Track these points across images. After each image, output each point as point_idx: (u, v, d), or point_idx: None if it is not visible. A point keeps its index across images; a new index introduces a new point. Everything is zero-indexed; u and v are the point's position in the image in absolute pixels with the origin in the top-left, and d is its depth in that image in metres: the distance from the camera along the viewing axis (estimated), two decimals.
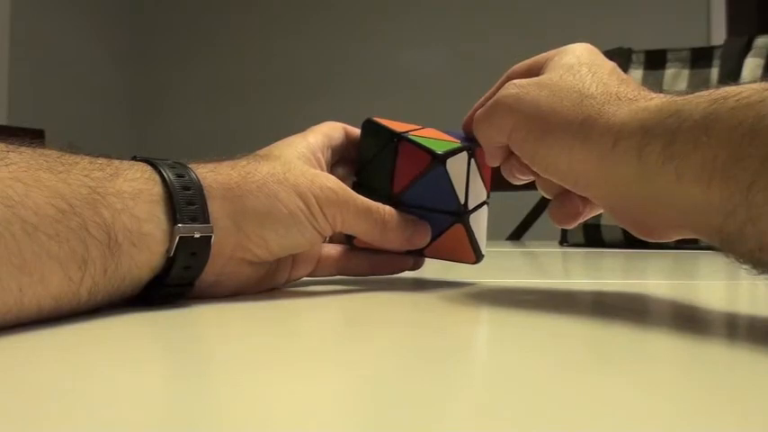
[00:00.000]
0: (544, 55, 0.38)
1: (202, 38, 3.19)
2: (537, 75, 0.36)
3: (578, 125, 0.32)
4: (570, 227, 0.40)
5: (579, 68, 0.34)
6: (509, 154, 0.38)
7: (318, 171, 0.38)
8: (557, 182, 0.35)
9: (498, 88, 0.38)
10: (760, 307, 0.39)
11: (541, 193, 0.40)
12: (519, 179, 0.39)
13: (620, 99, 0.31)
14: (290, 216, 0.35)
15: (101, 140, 2.82)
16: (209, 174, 0.34)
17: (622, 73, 0.35)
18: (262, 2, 3.10)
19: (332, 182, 0.37)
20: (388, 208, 0.39)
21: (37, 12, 2.74)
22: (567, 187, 0.34)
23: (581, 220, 0.38)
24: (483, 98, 0.40)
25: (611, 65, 0.35)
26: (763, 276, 0.27)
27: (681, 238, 0.32)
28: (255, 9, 3.10)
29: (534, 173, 0.38)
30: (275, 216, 0.35)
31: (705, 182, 0.27)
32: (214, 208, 0.33)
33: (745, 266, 0.27)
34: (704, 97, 0.28)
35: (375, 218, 0.38)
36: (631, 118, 0.30)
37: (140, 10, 3.25)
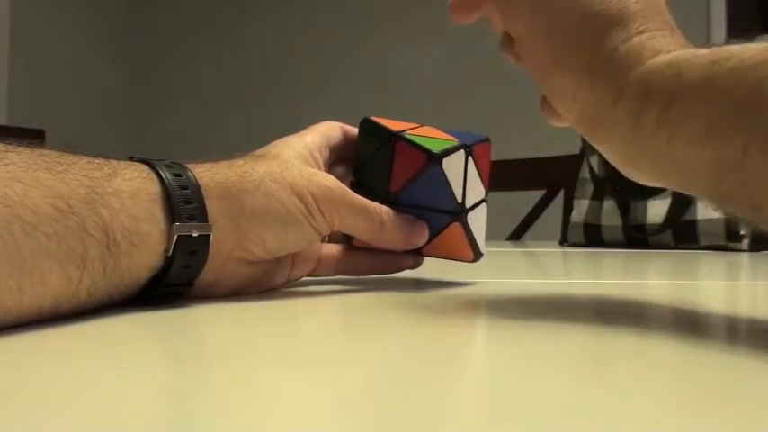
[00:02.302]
0: None
1: (202, 38, 3.19)
2: None
3: (587, 65, 0.31)
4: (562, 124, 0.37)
5: None
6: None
7: (316, 170, 0.38)
8: (555, 108, 0.34)
9: None
10: (760, 307, 0.39)
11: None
12: (513, 62, 0.37)
13: (632, 40, 0.31)
14: (288, 215, 0.35)
15: (100, 140, 2.82)
16: (207, 173, 0.34)
17: None
18: (261, 2, 3.10)
19: (330, 181, 0.37)
20: (385, 207, 0.39)
21: (37, 12, 2.74)
22: (566, 120, 0.34)
23: None
24: None
25: None
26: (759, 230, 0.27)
27: (668, 187, 0.32)
28: (255, 9, 3.11)
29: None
30: (273, 215, 0.35)
31: (698, 145, 0.27)
32: (212, 207, 0.33)
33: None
34: (706, 58, 0.28)
35: (373, 217, 0.38)
36: (635, 76, 0.30)
37: (140, 10, 3.25)
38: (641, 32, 0.31)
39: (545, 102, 0.36)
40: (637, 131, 0.29)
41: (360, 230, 0.39)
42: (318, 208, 0.36)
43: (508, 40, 0.36)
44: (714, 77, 0.27)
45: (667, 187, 0.32)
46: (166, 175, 0.32)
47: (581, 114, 0.32)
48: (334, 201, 0.36)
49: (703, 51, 0.28)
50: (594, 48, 0.31)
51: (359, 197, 0.38)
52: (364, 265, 0.42)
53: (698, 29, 2.49)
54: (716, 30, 2.49)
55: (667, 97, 0.28)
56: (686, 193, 0.31)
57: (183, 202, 0.31)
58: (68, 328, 0.27)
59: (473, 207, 0.41)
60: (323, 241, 0.42)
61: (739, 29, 2.40)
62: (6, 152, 0.27)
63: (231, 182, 0.34)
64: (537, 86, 0.35)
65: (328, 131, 0.42)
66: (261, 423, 0.16)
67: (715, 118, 0.26)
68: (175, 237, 0.31)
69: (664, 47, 0.30)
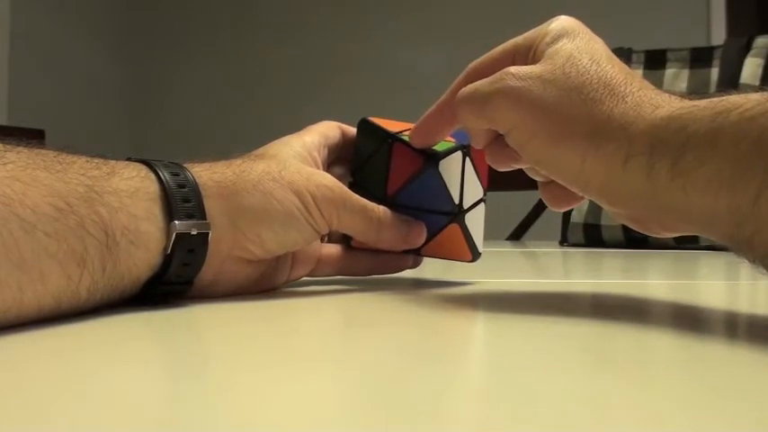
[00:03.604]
0: (529, 37, 0.35)
1: (202, 38, 3.19)
2: (525, 62, 0.34)
3: (590, 132, 0.31)
4: (566, 209, 0.38)
5: (581, 58, 0.32)
6: (496, 138, 0.36)
7: (314, 169, 0.38)
8: (561, 183, 0.34)
9: (459, 87, 0.36)
10: (760, 307, 0.39)
11: (530, 175, 0.38)
12: (507, 167, 0.37)
13: (626, 101, 0.31)
14: (286, 214, 0.35)
15: (100, 140, 2.82)
16: (205, 172, 0.34)
17: (617, 60, 0.33)
18: (261, 2, 3.10)
19: (328, 180, 0.37)
20: (383, 207, 0.39)
21: (37, 12, 2.74)
22: (574, 190, 0.33)
23: (577, 204, 0.37)
24: (439, 103, 0.38)
25: (604, 49, 0.33)
26: None
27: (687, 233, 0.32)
28: (255, 9, 3.11)
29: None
30: (271, 214, 0.35)
31: (712, 195, 0.27)
32: (210, 206, 0.33)
33: (759, 269, 0.28)
34: (708, 110, 0.28)
35: (371, 216, 0.38)
36: (640, 132, 0.29)
37: (140, 10, 3.25)
38: (631, 92, 0.31)
39: (546, 189, 0.36)
40: (651, 186, 0.29)
41: (358, 230, 0.39)
42: (317, 207, 0.36)
43: (489, 138, 0.36)
44: (719, 130, 0.27)
45: (678, 232, 0.32)
46: (164, 174, 0.32)
47: (590, 182, 0.31)
48: (332, 200, 0.36)
49: (704, 103, 0.28)
50: (592, 115, 0.31)
51: (357, 197, 0.38)
52: (364, 265, 0.42)
53: (698, 29, 2.49)
54: (716, 30, 2.49)
55: (677, 149, 0.28)
56: (699, 234, 0.31)
57: (181, 201, 0.31)
58: (68, 327, 0.27)
59: (471, 207, 0.41)
60: (322, 241, 0.42)
61: (739, 29, 2.40)
62: (5, 151, 0.27)
63: (229, 181, 0.34)
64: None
65: (327, 131, 0.42)
66: (260, 422, 0.16)
67: (726, 169, 0.26)
68: (174, 235, 0.31)
69: (661, 101, 0.30)
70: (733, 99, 0.27)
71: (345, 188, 0.38)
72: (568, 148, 0.31)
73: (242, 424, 0.15)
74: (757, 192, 0.25)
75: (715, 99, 0.28)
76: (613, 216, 0.33)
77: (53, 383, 0.19)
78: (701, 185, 0.27)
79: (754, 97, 0.27)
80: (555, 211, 0.39)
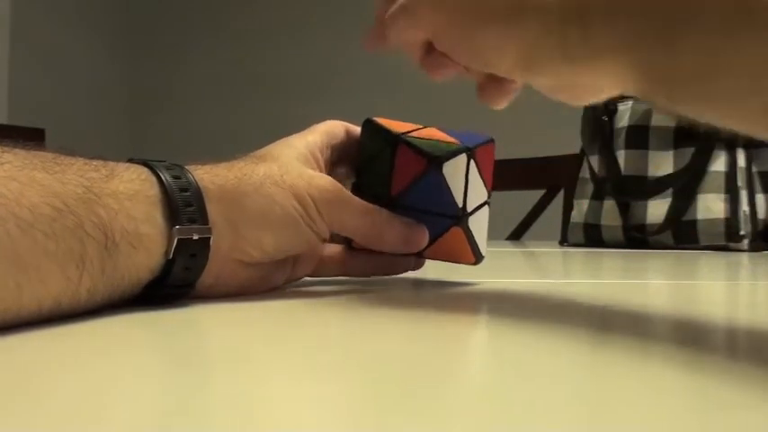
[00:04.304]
0: None
1: (202, 37, 3.19)
2: None
3: (504, 14, 0.32)
4: (502, 105, 0.39)
5: None
6: (429, 49, 0.37)
7: (316, 172, 0.38)
8: (489, 71, 0.35)
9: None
10: (760, 308, 0.39)
11: (467, 77, 0.39)
12: (443, 75, 0.39)
13: None
14: (287, 218, 0.35)
15: (100, 140, 2.82)
16: (206, 175, 0.34)
17: None
18: (261, 2, 3.10)
19: (329, 183, 0.37)
20: (384, 211, 0.39)
21: (37, 12, 2.74)
22: (500, 74, 0.35)
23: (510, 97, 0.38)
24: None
25: None
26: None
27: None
28: (255, 9, 3.10)
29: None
30: (271, 218, 0.35)
31: (618, 51, 0.28)
32: (211, 209, 0.33)
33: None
34: None
35: (372, 220, 0.38)
36: (552, 4, 0.31)
37: (140, 10, 3.25)
38: None
39: (480, 89, 0.37)
40: (565, 53, 0.30)
41: (359, 233, 0.39)
42: (318, 211, 0.36)
43: (422, 50, 0.38)
44: None
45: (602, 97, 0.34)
46: (166, 177, 0.32)
47: (511, 61, 0.33)
48: (333, 204, 0.36)
49: None
50: None
51: (358, 200, 0.38)
52: (365, 266, 0.42)
53: None
54: None
55: (586, 12, 0.29)
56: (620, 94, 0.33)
57: (183, 205, 0.31)
58: (68, 327, 0.27)
59: (475, 210, 0.41)
60: (323, 242, 0.42)
61: None
62: (2, 152, 0.27)
63: (231, 184, 0.34)
64: (530, 89, 0.35)
65: (331, 131, 0.42)
66: (260, 423, 0.16)
67: (629, 22, 0.28)
68: (176, 240, 0.31)
69: None
70: None
71: (347, 191, 0.38)
72: (487, 33, 0.33)
73: (242, 424, 0.15)
74: (654, 39, 0.27)
75: None
76: (537, 87, 0.34)
77: (53, 383, 0.19)
78: (608, 43, 0.29)
79: None
80: (494, 109, 0.39)
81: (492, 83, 0.37)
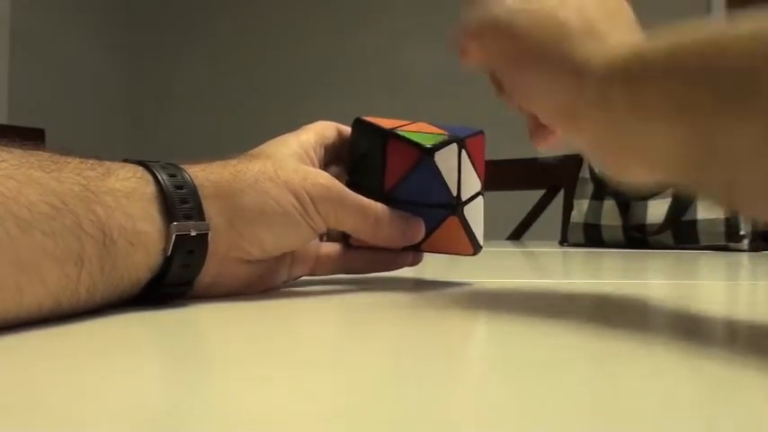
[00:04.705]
0: None
1: (202, 37, 3.19)
2: None
3: (554, 62, 0.32)
4: (544, 146, 0.39)
5: None
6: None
7: (311, 168, 0.38)
8: (535, 112, 0.35)
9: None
10: (760, 308, 0.39)
11: (516, 111, 0.39)
12: (543, 144, 0.39)
13: (595, 38, 0.32)
14: (283, 213, 0.35)
15: (101, 139, 2.82)
16: (201, 173, 0.34)
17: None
18: (261, 2, 3.10)
19: (324, 178, 0.37)
20: (380, 205, 0.39)
21: (37, 12, 2.74)
22: (543, 119, 0.35)
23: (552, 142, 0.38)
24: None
25: None
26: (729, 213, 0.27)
27: (651, 179, 0.32)
28: (255, 9, 3.11)
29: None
30: (268, 213, 0.35)
31: (667, 119, 0.27)
32: (207, 206, 0.33)
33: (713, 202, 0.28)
34: (664, 38, 0.29)
35: (368, 214, 0.38)
36: (603, 65, 0.30)
37: (140, 10, 3.25)
38: (606, 31, 0.32)
39: (532, 129, 0.38)
40: (608, 114, 0.30)
41: (355, 228, 0.39)
42: (314, 206, 0.36)
43: (497, 82, 0.38)
44: (676, 52, 0.28)
45: (639, 175, 0.32)
46: (161, 175, 0.32)
47: (557, 109, 0.33)
48: (329, 198, 0.36)
49: (664, 33, 0.29)
50: (557, 42, 0.32)
51: (354, 194, 0.38)
52: (363, 263, 0.42)
53: None
54: None
55: (633, 76, 0.29)
56: (662, 178, 0.32)
57: (179, 202, 0.31)
58: (68, 327, 0.27)
59: (469, 200, 0.41)
60: (321, 240, 0.42)
61: None
62: None
63: (226, 181, 0.34)
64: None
65: (323, 131, 0.42)
66: (260, 422, 0.16)
67: (679, 91, 0.27)
68: (173, 236, 0.31)
69: (628, 40, 0.32)
70: (688, 27, 0.28)
71: (342, 186, 0.38)
72: (536, 76, 0.33)
73: (241, 424, 0.15)
74: (717, 104, 0.25)
75: (675, 29, 0.29)
76: (582, 148, 0.34)
77: (53, 383, 0.19)
78: (656, 110, 0.28)
79: (711, 26, 0.28)
80: (540, 150, 0.40)
81: (539, 126, 0.37)
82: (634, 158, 0.31)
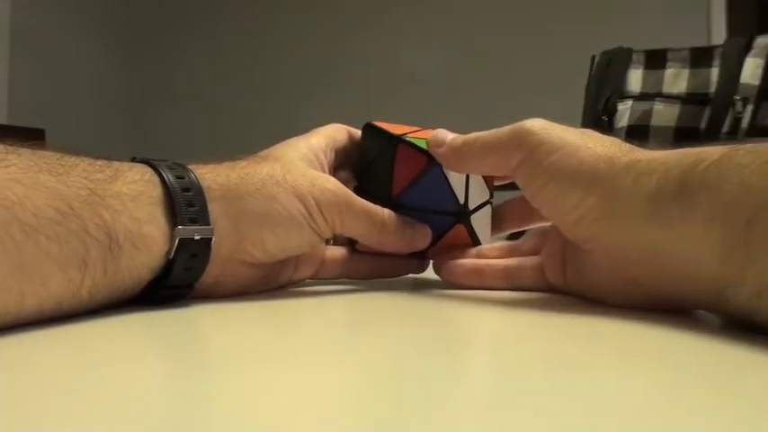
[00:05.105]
0: (520, 147, 0.36)
1: (202, 37, 3.19)
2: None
3: (589, 180, 0.32)
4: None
5: (580, 133, 0.35)
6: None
7: (319, 173, 0.38)
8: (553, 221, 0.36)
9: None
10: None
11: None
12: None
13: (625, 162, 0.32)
14: (289, 218, 0.35)
15: (101, 139, 2.81)
16: (209, 174, 0.34)
17: (595, 134, 0.35)
18: (262, 2, 3.10)
19: (332, 184, 0.37)
20: (387, 210, 0.39)
21: (37, 12, 2.74)
22: (562, 229, 0.35)
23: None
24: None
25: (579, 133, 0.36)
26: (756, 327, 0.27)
27: (675, 305, 0.32)
28: (255, 9, 3.11)
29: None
30: (273, 218, 0.34)
31: (705, 225, 0.27)
32: (213, 209, 0.33)
33: (740, 319, 0.27)
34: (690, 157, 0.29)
35: (374, 220, 0.38)
36: (644, 160, 0.31)
37: (140, 10, 3.25)
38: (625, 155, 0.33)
39: (547, 268, 0.38)
40: (651, 206, 0.30)
41: (361, 233, 0.39)
42: (320, 211, 0.36)
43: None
44: (706, 176, 0.28)
45: (666, 298, 0.32)
46: (169, 177, 0.32)
47: (587, 214, 0.33)
48: (336, 204, 0.36)
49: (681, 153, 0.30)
50: (598, 174, 0.33)
51: (361, 200, 0.38)
52: (368, 268, 0.42)
53: (698, 29, 2.49)
54: (716, 30, 2.49)
55: (678, 178, 0.29)
56: (690, 302, 0.31)
57: (185, 205, 0.31)
58: (68, 327, 0.27)
59: (477, 209, 0.41)
60: (327, 244, 0.41)
61: (739, 29, 2.40)
62: (6, 153, 0.26)
63: (233, 184, 0.34)
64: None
65: (334, 134, 0.42)
66: (263, 422, 0.16)
67: (716, 202, 0.27)
68: (177, 240, 0.31)
69: (639, 154, 0.32)
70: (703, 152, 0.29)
71: (349, 192, 0.38)
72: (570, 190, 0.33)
73: (245, 424, 0.15)
74: (751, 216, 0.25)
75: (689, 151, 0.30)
76: (608, 247, 0.33)
77: (53, 383, 0.19)
78: (698, 215, 0.28)
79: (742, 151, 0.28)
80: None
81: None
82: (661, 268, 0.30)
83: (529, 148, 0.34)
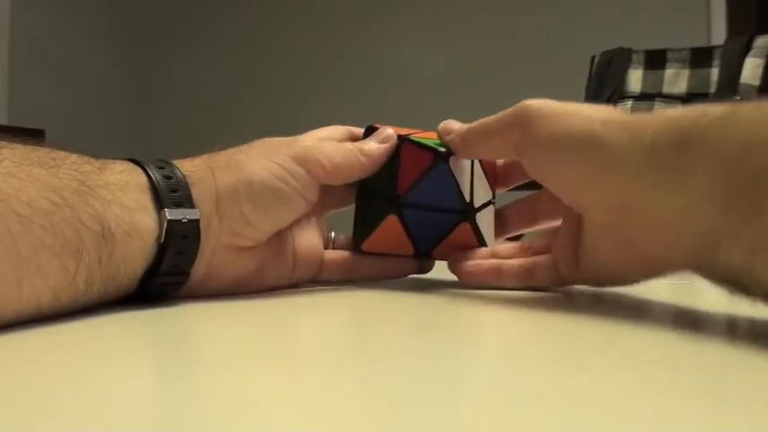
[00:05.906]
0: (516, 126, 0.36)
1: (202, 37, 3.19)
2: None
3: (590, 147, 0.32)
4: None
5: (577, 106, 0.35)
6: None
7: (290, 138, 0.38)
8: (557, 193, 0.35)
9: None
10: (760, 307, 0.39)
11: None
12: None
13: (620, 123, 0.32)
14: (263, 183, 0.35)
15: (101, 140, 2.82)
16: (186, 164, 0.35)
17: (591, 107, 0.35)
18: (262, 2, 3.11)
19: (309, 140, 0.38)
20: (357, 144, 0.39)
21: (37, 12, 2.74)
22: (566, 200, 0.35)
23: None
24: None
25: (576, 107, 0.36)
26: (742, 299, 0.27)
27: (665, 267, 0.32)
28: (255, 8, 3.11)
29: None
30: (249, 186, 0.34)
31: (706, 175, 0.27)
32: (194, 193, 0.33)
33: (725, 282, 0.27)
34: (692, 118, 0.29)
35: (350, 148, 0.39)
36: (659, 121, 0.30)
37: (140, 9, 3.25)
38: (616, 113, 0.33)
39: (560, 259, 0.38)
40: (649, 157, 0.30)
41: (344, 168, 0.38)
42: (298, 166, 0.36)
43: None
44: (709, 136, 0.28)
45: (662, 261, 0.32)
46: (150, 167, 0.33)
47: (586, 175, 0.33)
48: (311, 150, 0.37)
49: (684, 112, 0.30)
50: (589, 128, 0.33)
51: (334, 145, 0.38)
52: (370, 269, 0.42)
53: (698, 29, 2.49)
54: (716, 30, 2.49)
55: (680, 130, 0.29)
56: (684, 263, 0.30)
57: (168, 191, 0.32)
58: (64, 326, 0.27)
59: (481, 207, 0.41)
60: (326, 247, 0.41)
61: (739, 29, 2.40)
62: (0, 148, 0.27)
63: (204, 165, 0.35)
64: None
65: (334, 134, 0.42)
66: (256, 424, 0.16)
67: (725, 152, 0.27)
68: (165, 223, 0.31)
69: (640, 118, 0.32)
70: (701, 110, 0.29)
71: (325, 142, 0.38)
72: (571, 159, 0.33)
73: (233, 424, 0.15)
74: (754, 173, 0.25)
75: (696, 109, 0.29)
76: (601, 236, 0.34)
77: (47, 383, 0.19)
78: (693, 168, 0.28)
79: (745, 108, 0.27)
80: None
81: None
82: (657, 228, 0.30)
83: (527, 124, 0.35)
